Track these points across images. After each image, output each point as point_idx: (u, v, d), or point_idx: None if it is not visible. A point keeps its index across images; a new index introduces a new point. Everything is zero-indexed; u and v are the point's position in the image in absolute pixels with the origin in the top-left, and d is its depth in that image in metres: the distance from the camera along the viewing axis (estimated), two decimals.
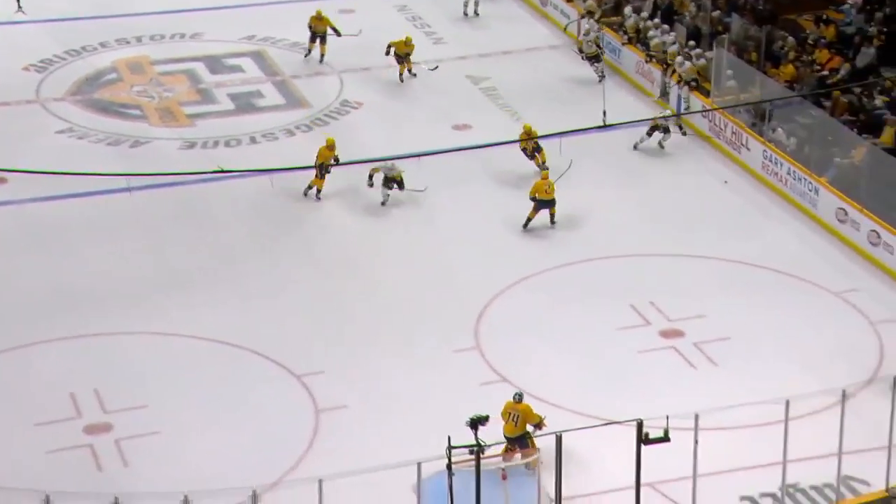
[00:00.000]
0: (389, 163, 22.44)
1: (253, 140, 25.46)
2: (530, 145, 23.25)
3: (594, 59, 27.18)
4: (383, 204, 22.46)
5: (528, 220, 22.07)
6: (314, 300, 20.40)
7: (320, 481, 13.78)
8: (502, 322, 19.75)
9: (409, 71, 27.29)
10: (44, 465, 16.58)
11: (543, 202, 22.04)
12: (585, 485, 15.96)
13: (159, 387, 18.21)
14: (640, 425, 14.83)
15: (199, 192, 23.12)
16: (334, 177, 22.89)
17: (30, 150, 24.17)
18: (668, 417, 14.71)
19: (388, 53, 27.20)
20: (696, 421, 14.71)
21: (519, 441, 16.27)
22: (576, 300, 20.42)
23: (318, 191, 23.01)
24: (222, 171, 18.82)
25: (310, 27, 27.82)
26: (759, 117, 24.07)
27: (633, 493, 14.90)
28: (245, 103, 26.98)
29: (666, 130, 24.39)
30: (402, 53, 27.21)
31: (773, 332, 19.61)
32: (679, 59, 25.82)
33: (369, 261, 21.44)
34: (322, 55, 27.83)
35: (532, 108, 26.27)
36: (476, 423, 15.78)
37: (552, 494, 15.12)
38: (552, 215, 22.15)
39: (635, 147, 24.37)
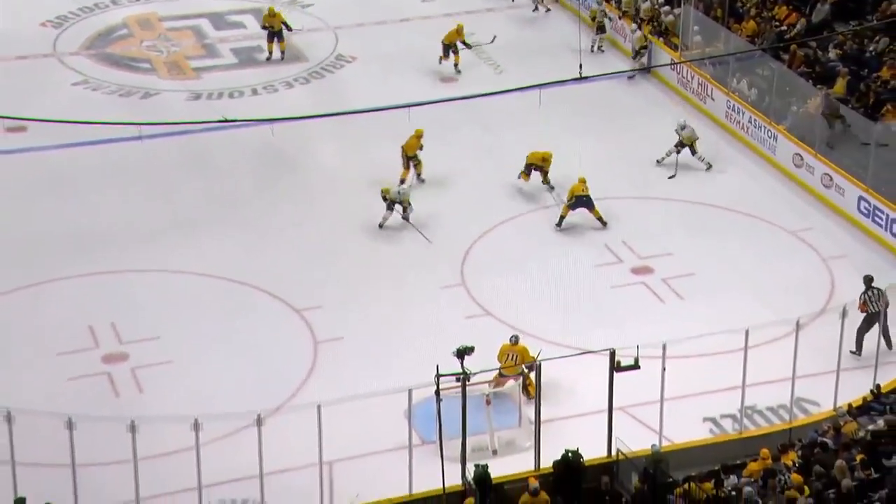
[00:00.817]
0: (403, 186, 20.91)
1: (254, 92, 25.25)
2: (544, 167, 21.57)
3: (600, 29, 26.84)
4: (381, 227, 20.33)
5: (562, 217, 20.50)
6: (312, 241, 20.35)
7: (319, 407, 13.84)
8: (486, 260, 19.75)
9: (455, 66, 25.57)
10: (65, 391, 16.61)
11: (581, 199, 20.42)
12: (562, 409, 16.04)
13: (170, 320, 18.21)
14: (612, 354, 14.92)
15: (205, 141, 22.97)
16: (334, 127, 22.66)
17: (47, 100, 24.01)
18: (638, 347, 14.82)
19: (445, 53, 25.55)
20: (664, 350, 14.78)
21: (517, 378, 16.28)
22: (555, 240, 20.42)
23: (417, 175, 21.66)
24: (226, 121, 18.68)
25: (264, 26, 26.09)
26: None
27: (605, 416, 15.02)
28: (247, 57, 26.73)
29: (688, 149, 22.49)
30: (448, 42, 25.40)
31: (734, 268, 19.66)
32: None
33: (364, 205, 21.35)
34: (282, 52, 26.04)
35: (513, 60, 26.12)
36: (462, 353, 15.81)
37: (532, 418, 15.23)
38: (599, 218, 20.46)
39: (658, 162, 22.50)
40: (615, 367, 14.84)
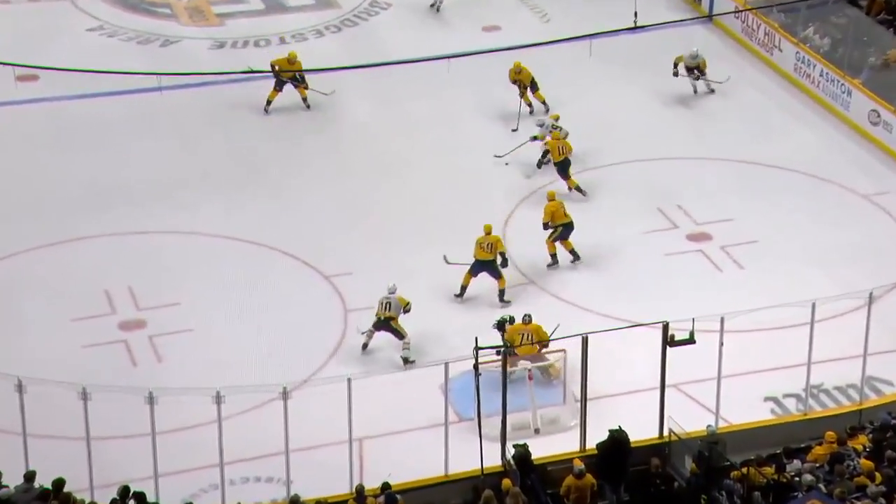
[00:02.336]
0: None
1: (282, 40, 25.26)
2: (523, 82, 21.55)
3: None
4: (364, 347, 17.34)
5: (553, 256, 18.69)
6: (343, 202, 20.42)
7: (349, 380, 13.92)
8: (529, 225, 19.71)
9: (529, 105, 22.48)
10: (80, 359, 16.81)
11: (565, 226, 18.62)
12: (610, 386, 16.05)
13: (191, 285, 18.35)
14: (665, 327, 14.89)
15: (229, 93, 23.03)
16: (367, 79, 22.64)
17: (60, 47, 24.08)
18: (693, 320, 14.77)
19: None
20: (722, 323, 14.73)
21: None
22: (602, 204, 20.36)
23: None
24: (252, 72, 18.65)
25: (275, 71, 22.22)
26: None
27: (657, 394, 15.02)
28: (274, 3, 26.72)
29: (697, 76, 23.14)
30: (514, 80, 22.40)
31: (801, 235, 19.53)
32: None
33: (397, 163, 21.38)
34: (304, 98, 22.72)
35: (561, 7, 25.95)
36: (503, 324, 15.91)
37: (577, 395, 15.25)
38: (572, 252, 18.60)
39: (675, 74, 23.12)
40: (668, 341, 14.82)
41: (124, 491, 13.51)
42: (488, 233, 17.94)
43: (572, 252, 18.61)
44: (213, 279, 18.54)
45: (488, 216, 19.34)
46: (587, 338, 14.85)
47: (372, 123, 22.73)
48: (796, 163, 21.36)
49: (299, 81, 22.32)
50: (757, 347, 16.68)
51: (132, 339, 17.34)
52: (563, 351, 15.88)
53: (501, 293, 17.79)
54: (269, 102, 22.43)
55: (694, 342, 14.85)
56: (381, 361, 16.63)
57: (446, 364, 14.48)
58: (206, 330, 17.48)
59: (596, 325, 16.29)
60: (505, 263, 17.88)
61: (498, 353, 14.81)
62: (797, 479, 13.70)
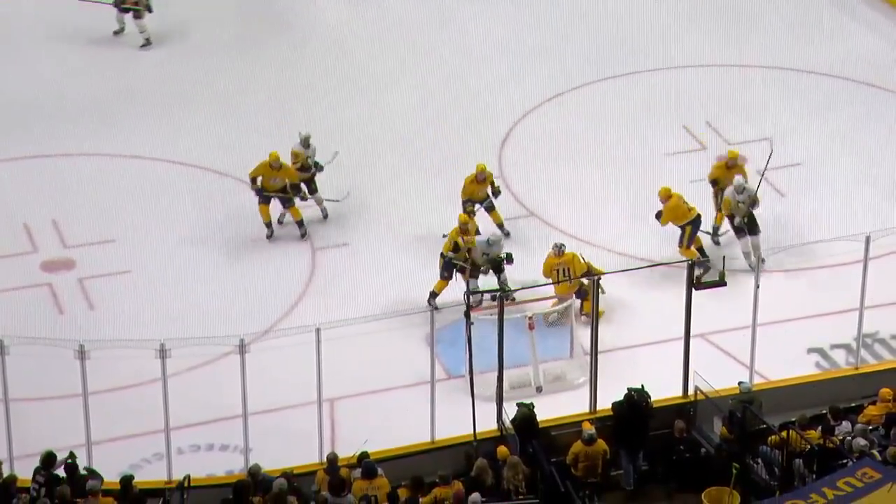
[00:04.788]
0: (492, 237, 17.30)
1: None
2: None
3: None
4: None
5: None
6: (311, 123, 20.25)
7: (318, 330, 13.93)
8: (531, 147, 19.70)
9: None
10: None
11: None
12: (626, 336, 16.12)
13: (129, 219, 18.32)
14: (691, 267, 14.92)
15: None
16: None
17: None
18: (724, 258, 14.83)
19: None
20: (759, 262, 14.75)
21: (578, 295, 16.30)
22: (617, 121, 20.32)
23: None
24: None
25: (258, 186, 17.86)
26: None
27: (681, 345, 15.08)
28: None
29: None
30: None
31: (853, 155, 19.55)
32: None
33: (377, 77, 21.28)
34: (300, 226, 18.08)
35: None
36: (499, 263, 15.91)
37: (587, 347, 15.31)
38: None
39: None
40: (695, 283, 14.86)
41: (48, 458, 13.50)
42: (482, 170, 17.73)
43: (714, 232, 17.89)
44: (155, 211, 18.51)
45: (483, 135, 19.34)
46: (598, 280, 14.88)
47: (343, 27, 22.60)
48: (849, 69, 21.36)
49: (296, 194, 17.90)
50: (799, 290, 16.74)
51: (58, 281, 17.33)
52: (576, 292, 15.92)
53: (500, 227, 17.78)
54: (271, 231, 18.06)
55: (724, 284, 14.88)
56: (358, 307, 16.64)
57: (432, 311, 14.51)
58: (147, 272, 17.46)
59: (608, 264, 16.33)
60: (497, 192, 17.80)
61: (494, 297, 14.84)
62: (846, 443, 13.80)
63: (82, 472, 13.50)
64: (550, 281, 16.30)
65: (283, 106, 20.68)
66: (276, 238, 18.00)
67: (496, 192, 17.76)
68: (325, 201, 18.11)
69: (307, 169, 17.98)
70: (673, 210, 17.22)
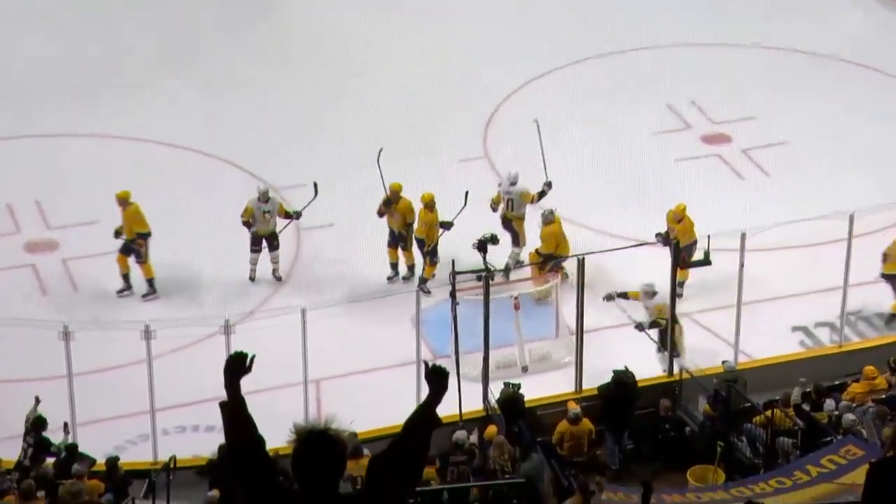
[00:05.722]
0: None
1: None
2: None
3: None
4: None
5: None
6: (297, 101, 20.33)
7: (303, 311, 13.99)
8: (516, 126, 19.67)
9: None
10: None
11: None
12: (611, 315, 16.11)
13: (112, 199, 18.23)
14: (676, 246, 14.96)
15: None
16: None
17: None
18: (709, 237, 14.86)
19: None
20: (743, 240, 14.81)
21: (551, 259, 16.30)
22: (601, 99, 20.34)
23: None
24: None
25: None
26: None
27: (666, 325, 15.14)
28: None
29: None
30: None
31: (838, 134, 19.58)
32: None
33: (363, 55, 21.25)
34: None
35: None
36: (484, 244, 15.89)
37: (573, 327, 15.36)
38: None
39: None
40: (680, 262, 14.89)
41: (38, 422, 13.40)
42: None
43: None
44: (138, 192, 18.41)
45: (468, 115, 19.35)
46: (583, 259, 14.92)
47: (328, 4, 22.57)
48: (836, 47, 21.39)
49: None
50: (784, 268, 16.79)
51: (42, 262, 17.31)
52: (559, 272, 15.97)
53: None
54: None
55: (710, 263, 14.94)
56: (343, 288, 16.65)
57: (418, 291, 14.53)
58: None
59: (593, 243, 16.35)
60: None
61: (479, 277, 14.88)
62: (834, 419, 13.86)
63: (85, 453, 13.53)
64: (531, 261, 16.31)
65: (270, 84, 20.63)
66: None
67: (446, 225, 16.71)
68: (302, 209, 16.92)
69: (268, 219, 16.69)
70: (688, 230, 16.19)
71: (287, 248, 17.32)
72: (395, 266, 16.93)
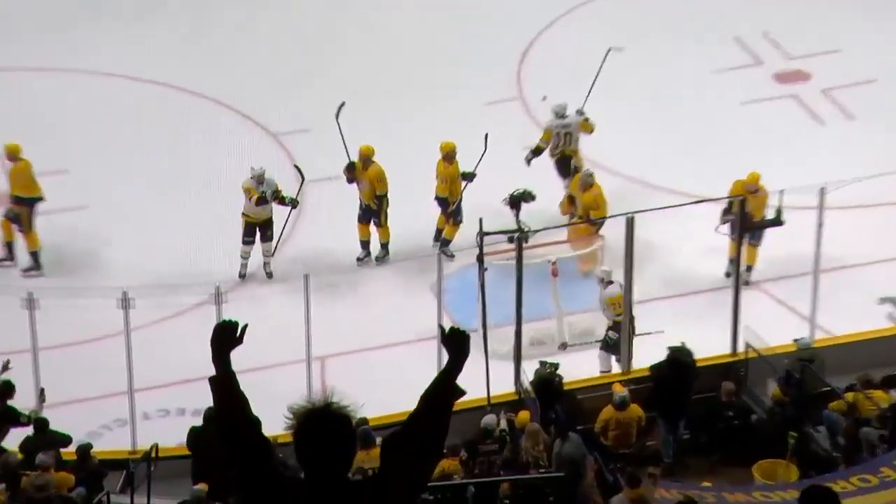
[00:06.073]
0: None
1: None
2: None
3: None
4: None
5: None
6: (298, 35, 20.44)
7: (306, 276, 14.02)
8: (553, 63, 19.71)
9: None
10: None
11: None
12: (664, 284, 16.18)
13: (86, 146, 18.37)
14: (741, 204, 14.95)
15: None
16: None
17: None
18: (781, 192, 14.85)
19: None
20: (822, 196, 14.79)
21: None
22: (654, 31, 20.37)
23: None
24: None
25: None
26: None
27: (730, 295, 15.14)
28: None
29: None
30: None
31: None
32: None
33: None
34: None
35: None
36: (518, 200, 15.91)
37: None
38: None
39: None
40: (745, 222, 14.88)
41: (5, 387, 13.48)
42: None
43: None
44: (115, 137, 18.57)
45: (498, 51, 19.34)
46: (633, 218, 14.90)
47: None
48: None
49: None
50: (870, 229, 16.79)
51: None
52: (601, 238, 16.00)
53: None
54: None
55: (782, 223, 14.94)
56: (352, 251, 16.68)
57: (439, 254, 14.56)
58: (107, 207, 17.53)
59: (645, 200, 16.35)
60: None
61: (511, 239, 14.87)
62: None
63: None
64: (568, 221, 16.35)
65: (264, 21, 20.69)
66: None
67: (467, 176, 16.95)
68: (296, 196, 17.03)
69: (264, 202, 16.76)
70: (763, 203, 15.98)
71: (284, 209, 17.39)
72: (365, 244, 16.74)
